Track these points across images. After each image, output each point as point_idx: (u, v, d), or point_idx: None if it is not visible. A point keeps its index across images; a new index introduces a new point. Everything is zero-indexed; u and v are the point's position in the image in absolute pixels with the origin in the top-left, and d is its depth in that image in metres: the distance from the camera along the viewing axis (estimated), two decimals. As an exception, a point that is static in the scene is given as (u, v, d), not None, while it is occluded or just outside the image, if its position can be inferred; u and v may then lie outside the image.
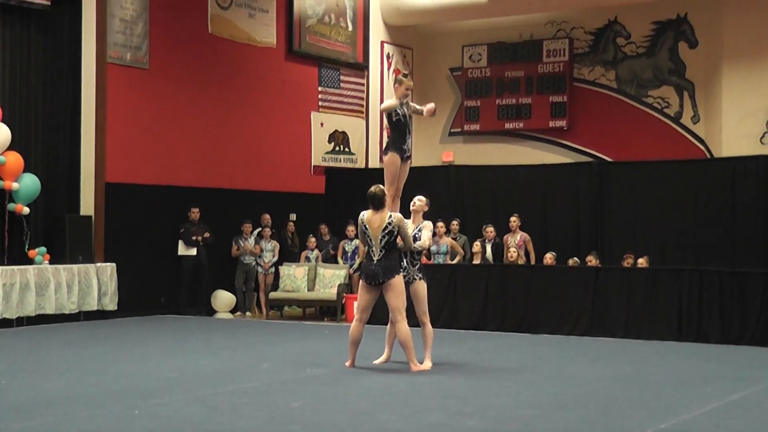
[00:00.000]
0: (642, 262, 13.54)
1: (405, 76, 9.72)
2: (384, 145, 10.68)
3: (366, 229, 9.01)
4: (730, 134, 17.28)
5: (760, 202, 14.08)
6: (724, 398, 7.90)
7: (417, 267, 9.32)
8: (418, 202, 9.66)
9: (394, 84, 9.90)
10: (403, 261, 9.24)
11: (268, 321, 14.72)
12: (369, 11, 18.96)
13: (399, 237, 9.00)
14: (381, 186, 9.12)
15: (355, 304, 9.30)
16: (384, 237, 8.92)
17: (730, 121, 17.35)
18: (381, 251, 8.95)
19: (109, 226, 14.17)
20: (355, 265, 14.91)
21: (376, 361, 9.45)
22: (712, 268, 12.44)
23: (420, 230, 9.46)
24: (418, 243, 9.29)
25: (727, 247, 14.25)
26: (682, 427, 6.71)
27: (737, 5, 17.27)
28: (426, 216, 9.70)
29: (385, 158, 9.55)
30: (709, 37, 17.79)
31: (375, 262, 8.97)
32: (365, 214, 9.04)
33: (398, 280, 9.00)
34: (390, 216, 8.96)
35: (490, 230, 14.55)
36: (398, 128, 9.49)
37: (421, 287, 9.32)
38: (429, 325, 9.34)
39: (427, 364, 9.19)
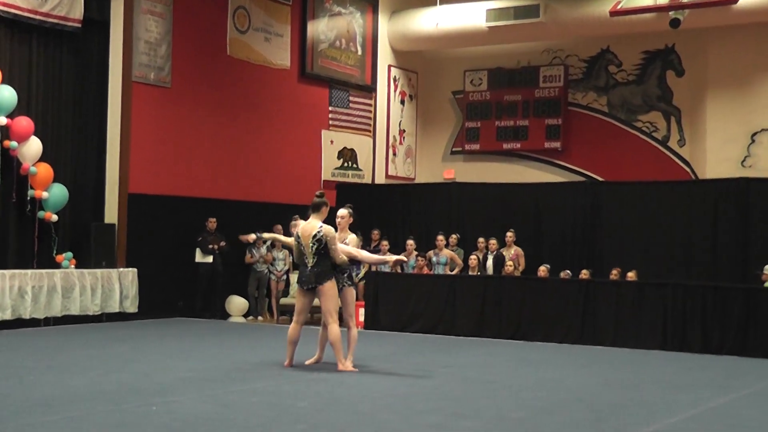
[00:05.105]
0: (631, 275, 13.54)
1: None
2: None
3: (299, 238, 9.08)
4: (714, 157, 17.28)
5: (739, 221, 14.08)
6: (704, 405, 7.89)
7: (346, 275, 9.30)
8: (341, 219, 9.55)
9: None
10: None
11: (278, 325, 14.71)
12: (377, 37, 19.01)
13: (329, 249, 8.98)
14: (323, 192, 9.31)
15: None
16: (314, 244, 8.96)
17: (713, 145, 17.35)
18: (314, 258, 9.01)
19: (132, 233, 14.19)
20: (361, 274, 14.89)
21: (308, 362, 9.47)
22: (695, 282, 12.43)
23: (346, 244, 9.36)
24: (338, 259, 9.07)
25: (709, 262, 14.24)
26: (665, 432, 6.71)
27: (720, 38, 17.29)
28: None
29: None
30: (694, 67, 17.81)
31: (309, 268, 9.05)
32: (300, 226, 9.15)
33: (329, 285, 9.03)
34: (320, 226, 9.00)
35: (492, 242, 14.54)
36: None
37: (350, 293, 9.31)
38: (354, 329, 9.34)
39: (349, 365, 9.18)
